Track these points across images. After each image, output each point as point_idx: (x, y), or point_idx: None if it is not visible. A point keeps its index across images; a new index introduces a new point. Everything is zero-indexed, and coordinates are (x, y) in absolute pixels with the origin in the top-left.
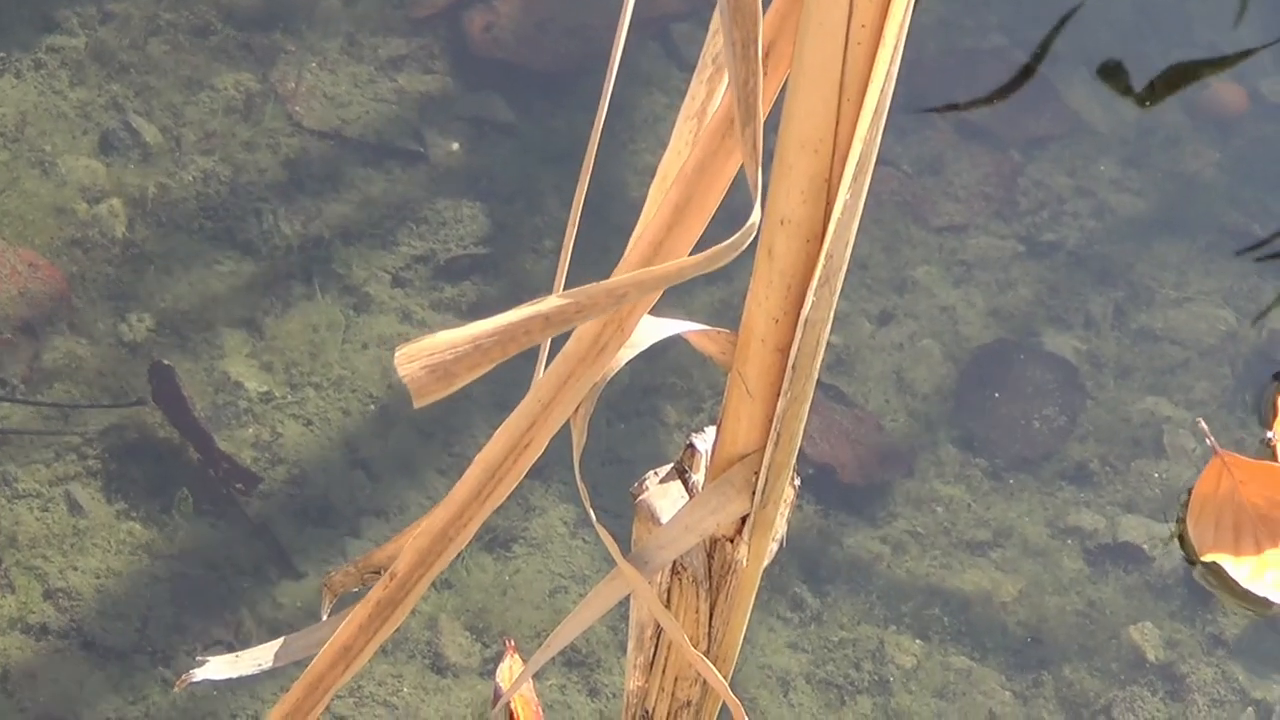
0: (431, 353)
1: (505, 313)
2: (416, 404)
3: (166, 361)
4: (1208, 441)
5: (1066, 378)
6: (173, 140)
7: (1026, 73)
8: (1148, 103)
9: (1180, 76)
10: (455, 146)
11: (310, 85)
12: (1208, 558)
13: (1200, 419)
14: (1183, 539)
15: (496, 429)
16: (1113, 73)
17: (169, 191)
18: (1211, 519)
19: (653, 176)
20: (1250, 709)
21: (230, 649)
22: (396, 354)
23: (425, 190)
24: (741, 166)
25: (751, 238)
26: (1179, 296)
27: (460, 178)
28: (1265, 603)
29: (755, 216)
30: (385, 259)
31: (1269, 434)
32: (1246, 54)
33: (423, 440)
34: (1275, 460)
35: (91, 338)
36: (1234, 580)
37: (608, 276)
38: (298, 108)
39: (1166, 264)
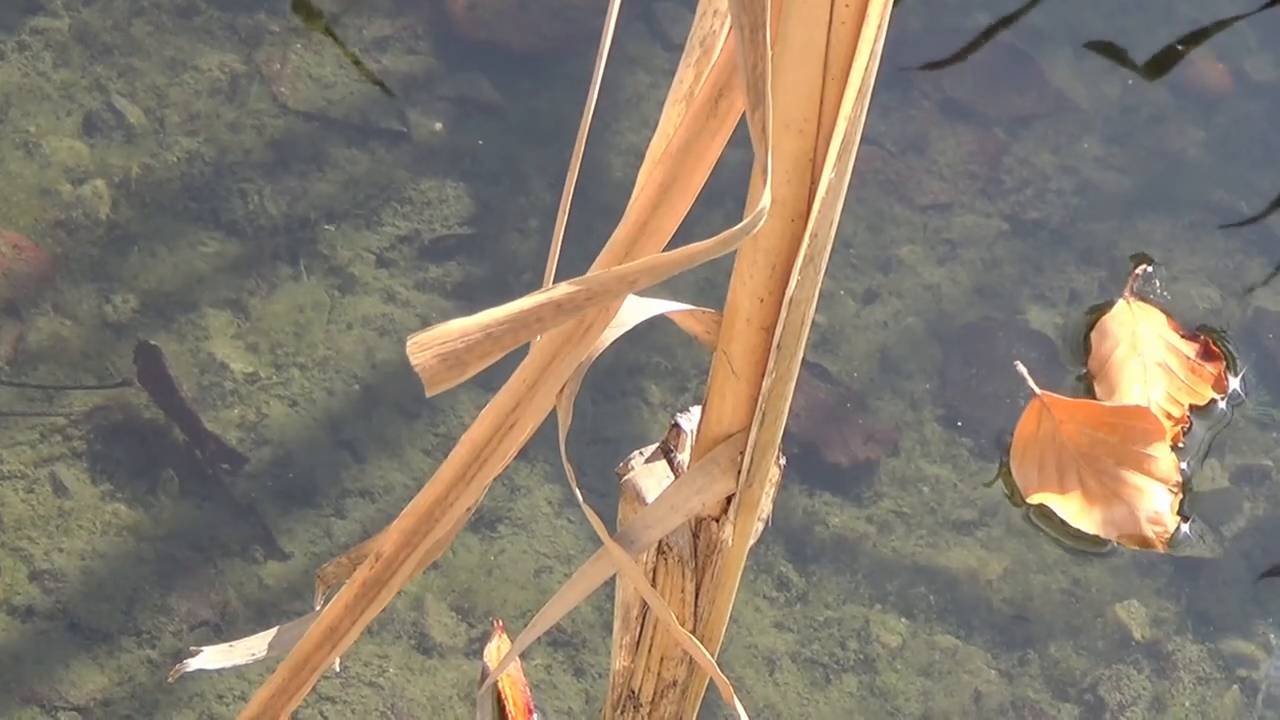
0: (443, 341)
1: (513, 299)
2: (429, 393)
3: (153, 342)
4: (1028, 383)
5: (1051, 356)
6: (157, 121)
7: (1010, 50)
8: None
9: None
10: (439, 127)
11: (295, 66)
12: (1034, 499)
13: (1018, 362)
14: (1007, 482)
15: (482, 409)
16: (1106, 51)
17: (153, 172)
18: (1035, 460)
19: (635, 156)
20: (1235, 686)
21: (216, 630)
22: (409, 343)
23: (409, 170)
24: (725, 146)
25: (762, 221)
26: (1164, 275)
27: (444, 158)
28: (1097, 540)
29: (765, 201)
30: (370, 239)
31: (1084, 370)
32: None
33: (408, 421)
34: (1094, 397)
35: (76, 319)
36: (1063, 520)
37: (592, 254)
38: (282, 88)
39: (1151, 242)
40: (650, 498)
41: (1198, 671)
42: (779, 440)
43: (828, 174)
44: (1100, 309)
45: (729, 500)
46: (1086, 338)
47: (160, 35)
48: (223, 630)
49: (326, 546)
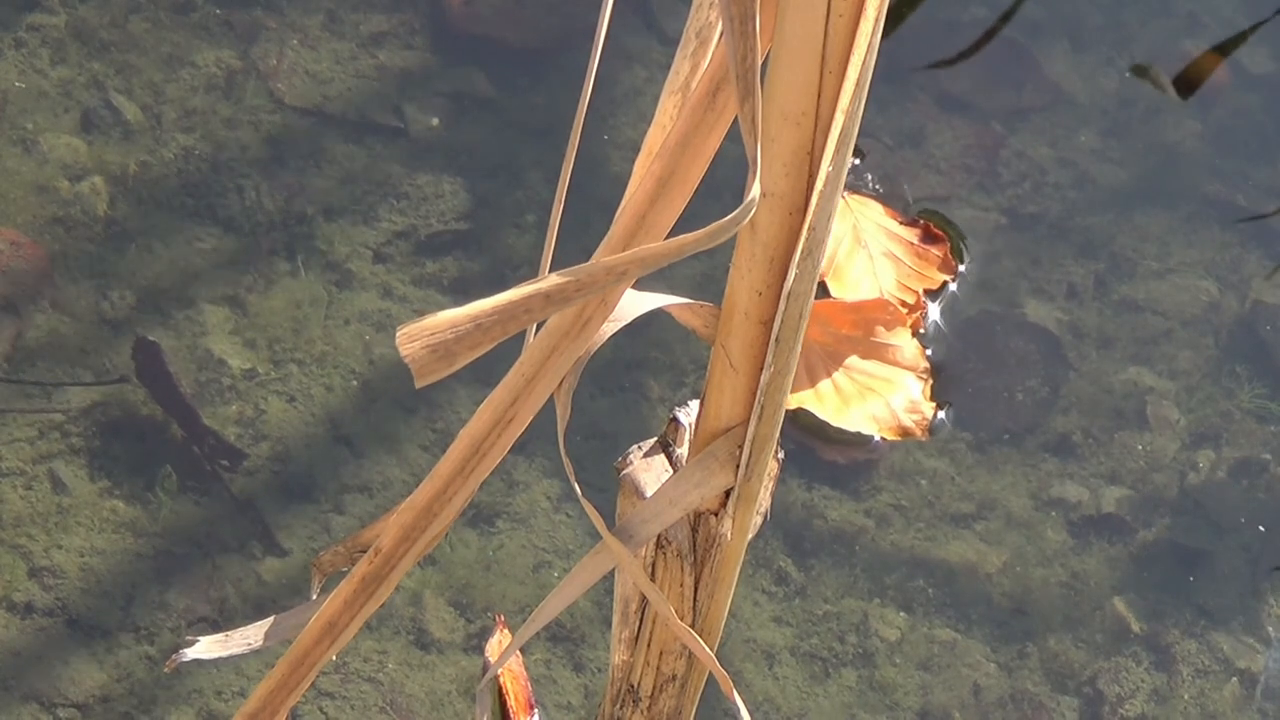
0: (433, 332)
1: (506, 291)
2: (418, 384)
3: (152, 338)
4: None
5: (1049, 349)
6: (154, 118)
7: (1007, 44)
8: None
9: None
10: (436, 122)
11: (291, 62)
12: (792, 403)
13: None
14: None
15: (480, 404)
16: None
17: (150, 169)
18: None
19: (633, 151)
20: (1234, 679)
21: (215, 626)
22: (398, 334)
23: (406, 166)
24: (724, 140)
25: (751, 213)
26: (1161, 267)
27: (441, 153)
28: (861, 439)
29: (755, 192)
30: (367, 235)
31: None
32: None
33: (406, 416)
34: (828, 295)
35: (74, 315)
36: (825, 423)
37: (589, 249)
38: (279, 84)
39: (1148, 235)
40: (649, 492)
41: (1197, 664)
42: (777, 434)
43: (825, 167)
44: None
45: (728, 494)
46: None
47: (157, 32)
48: (221, 626)
49: (325, 542)
